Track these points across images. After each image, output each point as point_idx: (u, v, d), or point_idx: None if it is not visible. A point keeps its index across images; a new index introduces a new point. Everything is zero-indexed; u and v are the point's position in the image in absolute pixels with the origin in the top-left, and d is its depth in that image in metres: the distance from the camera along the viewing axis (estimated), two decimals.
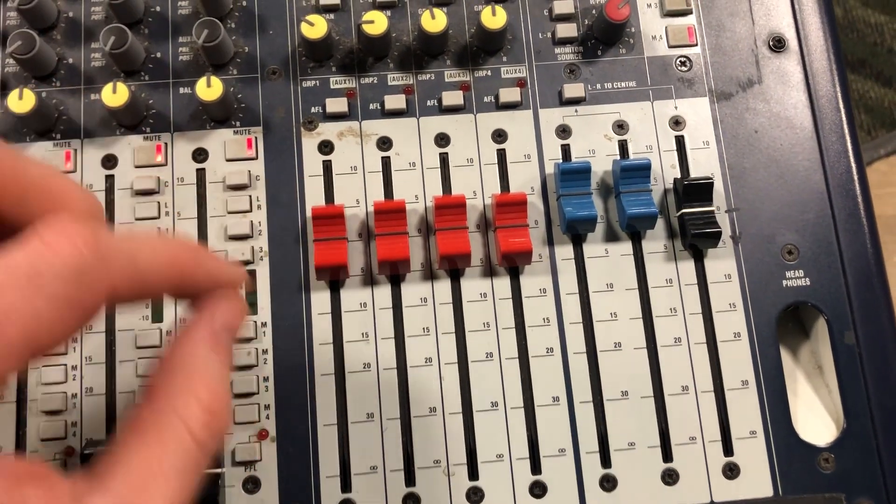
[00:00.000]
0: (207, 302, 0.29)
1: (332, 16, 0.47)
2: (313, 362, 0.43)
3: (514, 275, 0.44)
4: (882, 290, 0.45)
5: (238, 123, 0.46)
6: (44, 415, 0.41)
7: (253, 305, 0.43)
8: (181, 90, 0.46)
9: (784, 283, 0.45)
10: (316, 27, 0.45)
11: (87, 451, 0.40)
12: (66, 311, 0.23)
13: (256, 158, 0.45)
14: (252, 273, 0.44)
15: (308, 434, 0.42)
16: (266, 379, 0.42)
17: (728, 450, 0.43)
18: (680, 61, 0.48)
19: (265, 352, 0.43)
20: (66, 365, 0.42)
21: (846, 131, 0.47)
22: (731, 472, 0.42)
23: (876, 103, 1.37)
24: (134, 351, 0.42)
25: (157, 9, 0.47)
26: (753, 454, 0.43)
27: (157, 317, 0.43)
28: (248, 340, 0.43)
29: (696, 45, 0.48)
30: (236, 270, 0.31)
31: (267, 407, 0.42)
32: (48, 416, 0.41)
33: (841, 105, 0.48)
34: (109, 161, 0.45)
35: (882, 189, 1.35)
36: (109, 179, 0.45)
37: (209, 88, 0.43)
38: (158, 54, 0.46)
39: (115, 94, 0.43)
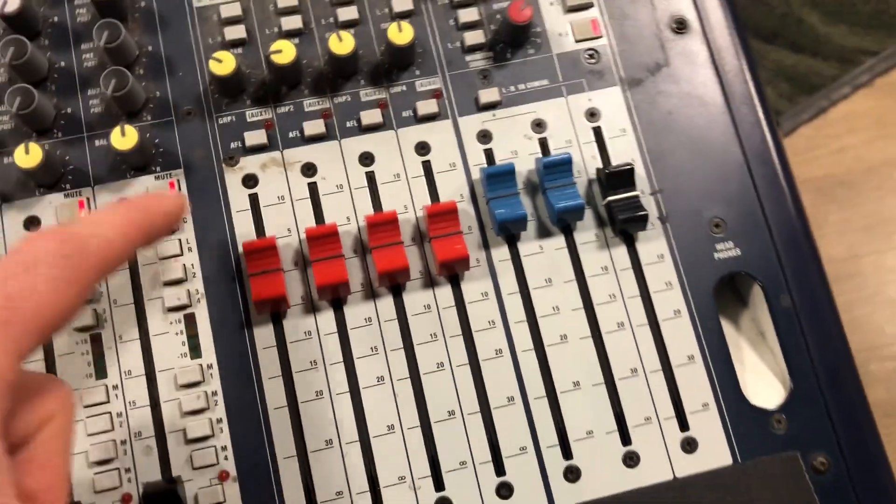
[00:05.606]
0: None
1: (239, 50, 0.47)
2: (265, 397, 0.42)
3: (455, 282, 0.45)
4: (810, 250, 0.46)
5: (158, 169, 0.45)
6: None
7: (196, 349, 0.43)
8: (97, 142, 0.45)
9: (716, 255, 0.46)
10: (224, 63, 0.44)
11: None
12: (63, 289, 0.28)
13: None
14: (191, 316, 0.43)
15: (269, 469, 0.42)
16: (219, 420, 0.42)
17: (683, 425, 0.43)
18: (588, 54, 0.49)
19: (215, 393, 0.42)
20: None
21: (756, 102, 0.49)
22: (690, 446, 0.43)
23: (793, 71, 1.41)
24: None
25: (62, 64, 0.47)
26: (708, 426, 0.44)
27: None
28: (197, 384, 0.42)
29: (602, 36, 0.49)
30: (178, 200, 0.37)
31: (224, 448, 0.42)
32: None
33: (748, 77, 0.49)
34: (32, 223, 0.44)
35: (809, 153, 1.39)
36: None
37: (124, 137, 0.43)
38: (69, 109, 0.46)
39: (28, 155, 0.42)
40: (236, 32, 0.47)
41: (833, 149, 1.38)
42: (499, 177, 0.45)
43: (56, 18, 0.47)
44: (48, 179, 0.44)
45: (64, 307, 0.29)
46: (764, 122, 0.49)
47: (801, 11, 1.44)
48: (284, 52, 0.45)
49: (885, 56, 1.42)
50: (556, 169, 0.45)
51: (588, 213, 0.46)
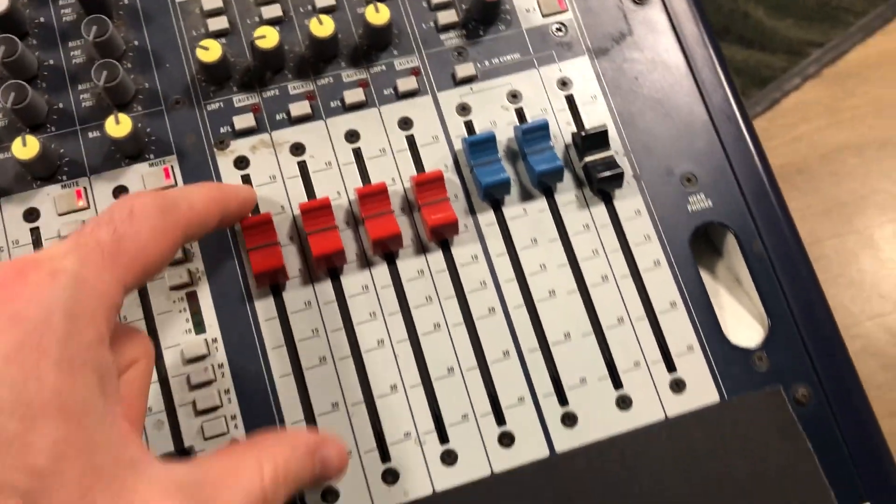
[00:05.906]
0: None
1: (223, 40, 0.49)
2: (270, 366, 0.44)
3: (446, 247, 0.47)
4: (776, 196, 0.49)
5: (152, 156, 0.47)
6: None
7: (200, 325, 0.44)
8: (90, 134, 0.47)
9: (689, 207, 0.48)
10: (211, 51, 0.46)
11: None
12: (160, 237, 0.33)
13: (176, 185, 0.46)
14: (193, 294, 0.45)
15: None
16: (227, 391, 0.43)
17: (671, 367, 0.46)
18: (556, 28, 0.52)
19: (221, 366, 0.44)
20: None
21: (716, 64, 0.52)
22: (678, 386, 0.45)
23: (744, 65, 1.46)
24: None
25: (51, 62, 0.48)
26: (694, 367, 0.46)
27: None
28: (203, 358, 0.44)
29: (567, 10, 0.52)
30: (249, 193, 0.43)
31: (233, 417, 0.43)
32: None
33: (707, 42, 0.52)
34: (31, 214, 0.45)
35: (766, 143, 1.44)
36: (35, 232, 0.45)
37: (118, 125, 0.45)
38: (61, 104, 0.47)
39: (25, 147, 0.44)
40: (219, 23, 0.49)
41: (788, 138, 1.43)
42: (481, 145, 0.47)
43: (42, 19, 0.49)
44: (44, 172, 0.46)
45: (159, 254, 0.33)
46: (725, 82, 0.51)
47: (747, 6, 1.50)
48: (268, 38, 0.47)
49: (829, 47, 1.47)
50: (534, 134, 0.47)
51: (567, 176, 0.48)
